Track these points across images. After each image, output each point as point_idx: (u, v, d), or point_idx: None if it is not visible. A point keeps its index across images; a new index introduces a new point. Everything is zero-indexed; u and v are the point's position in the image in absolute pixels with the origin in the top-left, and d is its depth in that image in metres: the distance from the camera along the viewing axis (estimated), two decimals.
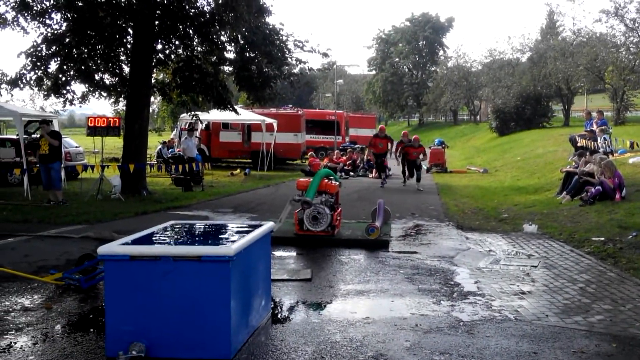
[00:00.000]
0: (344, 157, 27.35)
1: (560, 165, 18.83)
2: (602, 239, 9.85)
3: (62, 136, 16.33)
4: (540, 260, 8.79)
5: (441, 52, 78.34)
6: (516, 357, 4.94)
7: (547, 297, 6.81)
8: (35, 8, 16.26)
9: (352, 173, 25.59)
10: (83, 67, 16.81)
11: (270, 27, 17.85)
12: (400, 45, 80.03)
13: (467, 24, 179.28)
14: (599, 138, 18.07)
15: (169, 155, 24.26)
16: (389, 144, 20.84)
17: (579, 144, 18.72)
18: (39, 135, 16.19)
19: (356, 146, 33.41)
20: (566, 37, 49.07)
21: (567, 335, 5.50)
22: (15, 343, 5.23)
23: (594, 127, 18.91)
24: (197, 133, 26.83)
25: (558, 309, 6.32)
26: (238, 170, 26.98)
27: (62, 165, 15.63)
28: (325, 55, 19.58)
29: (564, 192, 14.44)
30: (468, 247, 9.89)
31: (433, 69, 76.36)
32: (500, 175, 23.83)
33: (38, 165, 15.06)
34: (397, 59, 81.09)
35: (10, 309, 6.21)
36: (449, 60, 69.89)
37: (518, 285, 7.32)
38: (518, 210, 13.91)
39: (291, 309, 6.35)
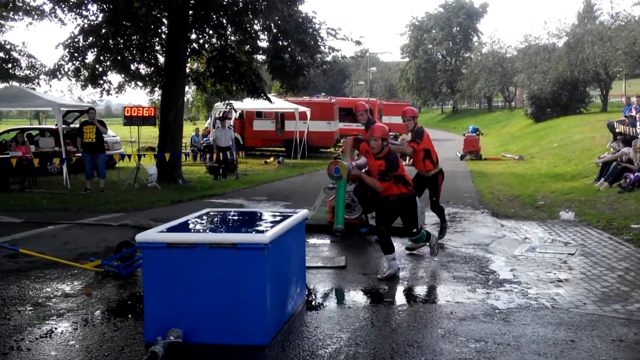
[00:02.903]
0: None
1: (599, 151, 18.49)
2: None
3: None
4: (578, 247, 8.67)
5: (475, 38, 77.19)
6: (553, 345, 4.90)
7: (585, 285, 6.73)
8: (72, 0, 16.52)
9: None
10: (119, 58, 17.05)
11: (303, 15, 17.80)
12: (433, 31, 79.09)
13: (501, 9, 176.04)
14: (638, 123, 17.67)
15: (204, 145, 24.45)
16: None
17: (617, 130, 18.33)
18: (78, 125, 16.46)
19: (390, 134, 33.22)
20: (604, 21, 47.97)
21: (606, 324, 5.44)
22: (56, 328, 5.36)
23: (633, 112, 18.49)
24: (231, 122, 27.03)
25: (596, 297, 6.25)
26: (272, 159, 27.10)
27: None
28: (358, 43, 19.48)
29: (602, 179, 14.18)
30: (503, 234, 9.82)
31: (467, 55, 75.27)
32: (536, 162, 23.50)
33: (81, 153, 15.23)
34: (430, 46, 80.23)
35: (52, 295, 6.36)
36: (483, 46, 68.91)
37: (555, 273, 7.25)
38: (554, 198, 13.73)
39: (326, 296, 6.39)
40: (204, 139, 25.99)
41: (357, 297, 6.36)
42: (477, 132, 29.49)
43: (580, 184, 15.60)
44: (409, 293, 6.49)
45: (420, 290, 6.59)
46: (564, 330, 5.27)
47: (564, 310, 5.84)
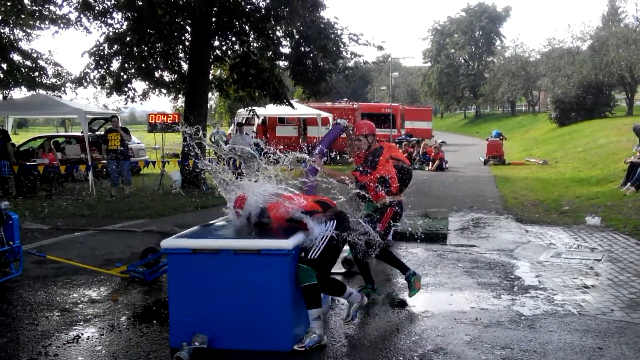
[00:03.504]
0: (400, 150, 27.17)
1: (624, 155, 18.25)
2: None
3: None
4: (604, 253, 8.57)
5: (498, 42, 76.79)
6: (580, 353, 4.85)
7: (612, 291, 6.65)
8: (97, 8, 16.76)
9: None
10: (143, 65, 17.26)
11: (325, 21, 17.87)
12: (455, 36, 78.81)
13: (524, 12, 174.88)
14: None
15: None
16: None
17: None
18: (103, 132, 16.66)
19: (412, 139, 33.14)
20: (629, 24, 47.43)
21: (634, 331, 5.37)
22: (83, 334, 5.42)
23: None
24: (253, 128, 27.16)
25: (623, 304, 6.17)
26: None
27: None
28: (380, 48, 19.50)
29: (629, 184, 14.00)
30: (528, 240, 9.73)
31: (490, 59, 74.83)
32: (561, 167, 23.26)
33: (106, 160, 15.39)
34: (452, 50, 79.89)
35: (79, 301, 6.44)
36: (506, 50, 68.45)
37: (581, 279, 7.16)
38: (580, 203, 13.58)
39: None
40: (226, 145, 26.15)
41: (380, 303, 6.34)
42: (501, 137, 29.29)
43: (605, 188, 15.41)
44: (433, 299, 6.45)
45: (445, 296, 6.54)
46: (591, 337, 5.21)
47: (591, 317, 5.77)
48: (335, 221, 5.24)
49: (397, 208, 6.44)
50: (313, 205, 5.35)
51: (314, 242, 5.11)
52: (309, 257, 5.08)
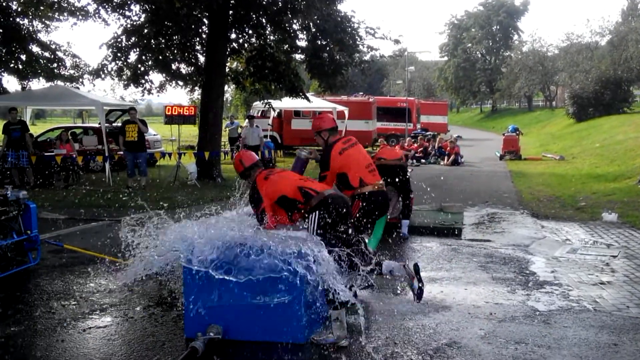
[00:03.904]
0: (416, 145, 27.10)
1: None
2: None
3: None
4: (621, 250, 8.51)
5: (515, 37, 76.17)
6: (595, 349, 4.83)
7: (628, 287, 6.61)
8: (115, 0, 16.84)
9: (423, 160, 25.34)
10: (161, 57, 17.32)
11: (342, 14, 17.81)
12: (473, 30, 78.28)
13: (543, 7, 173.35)
14: None
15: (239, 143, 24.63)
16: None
17: None
18: (120, 123, 16.77)
19: (428, 133, 33.04)
20: None
21: None
22: (99, 323, 5.49)
23: None
24: (269, 121, 27.20)
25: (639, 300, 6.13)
26: None
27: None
28: (396, 42, 19.38)
29: None
30: (544, 235, 9.68)
31: (507, 54, 74.33)
32: (578, 163, 23.08)
33: (123, 151, 15.50)
34: (469, 45, 79.38)
35: (95, 290, 6.50)
36: (524, 44, 67.95)
37: (597, 275, 7.13)
38: (596, 199, 13.48)
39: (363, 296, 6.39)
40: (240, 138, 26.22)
41: (394, 297, 6.34)
42: (517, 132, 29.10)
43: (623, 184, 15.29)
44: (447, 293, 6.44)
45: (459, 290, 6.53)
46: (606, 333, 5.19)
47: (606, 313, 5.75)
48: (317, 212, 5.16)
49: (363, 202, 5.98)
50: (295, 194, 5.25)
51: None
52: None
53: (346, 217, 5.36)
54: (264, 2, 16.83)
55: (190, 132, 29.90)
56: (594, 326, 5.37)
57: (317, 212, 5.17)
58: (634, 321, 5.51)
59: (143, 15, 17.33)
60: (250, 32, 18.30)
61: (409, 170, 10.67)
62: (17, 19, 20.53)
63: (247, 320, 4.93)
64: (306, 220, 5.25)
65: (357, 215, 5.95)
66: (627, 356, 4.68)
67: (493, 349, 4.81)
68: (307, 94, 20.78)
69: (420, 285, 5.43)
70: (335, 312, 4.99)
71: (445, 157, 24.80)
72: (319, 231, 5.13)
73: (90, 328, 5.33)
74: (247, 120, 21.53)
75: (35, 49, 21.43)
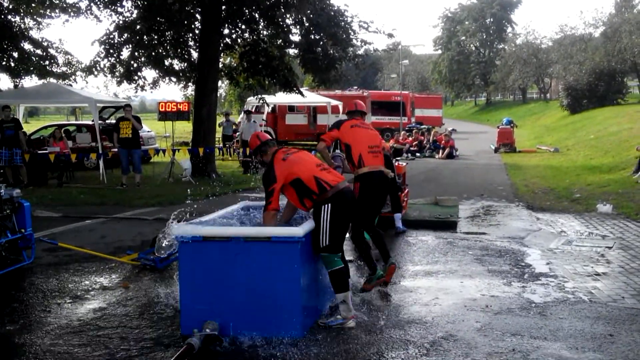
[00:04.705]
0: (410, 138, 27.11)
1: (636, 143, 18.12)
2: None
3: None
4: (616, 241, 8.53)
5: (509, 29, 76.25)
6: (591, 340, 4.84)
7: (623, 278, 6.62)
8: None
9: (418, 154, 25.36)
10: (153, 54, 17.27)
11: (335, 8, 17.76)
12: (466, 23, 78.27)
13: None
14: None
15: (237, 139, 24.59)
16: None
17: None
18: (114, 120, 16.70)
19: (422, 127, 33.06)
20: None
21: None
22: (95, 320, 5.46)
23: None
24: (264, 116, 27.15)
25: (635, 291, 6.14)
26: None
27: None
28: (390, 35, 19.35)
29: None
30: (539, 227, 9.70)
31: (501, 46, 74.44)
32: (572, 155, 23.14)
33: (117, 148, 15.43)
34: (463, 38, 79.39)
35: (90, 288, 6.48)
36: (518, 37, 68.13)
37: (592, 267, 7.14)
38: (591, 190, 13.51)
39: (360, 290, 6.38)
40: (237, 133, 26.18)
41: (391, 290, 6.34)
42: (512, 125, 29.14)
43: (617, 176, 15.33)
44: (443, 287, 6.45)
45: (455, 283, 6.54)
46: (602, 324, 5.20)
47: (602, 304, 5.76)
48: (330, 204, 5.20)
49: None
50: (310, 181, 5.25)
51: (319, 230, 5.16)
52: (321, 245, 5.15)
53: (353, 210, 5.52)
54: None
55: (184, 129, 29.82)
56: (589, 317, 5.38)
57: (329, 204, 5.19)
58: (629, 312, 5.52)
59: (135, 11, 17.26)
60: (243, 27, 18.25)
61: (404, 164, 10.65)
62: (9, 16, 20.42)
63: (243, 315, 4.92)
64: (316, 210, 5.29)
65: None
66: (623, 346, 4.69)
67: (489, 341, 4.81)
68: (301, 89, 20.74)
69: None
70: (341, 294, 5.14)
71: (440, 151, 24.83)
72: (330, 221, 5.18)
73: (85, 325, 5.31)
74: (242, 115, 21.49)
75: (27, 46, 21.33)
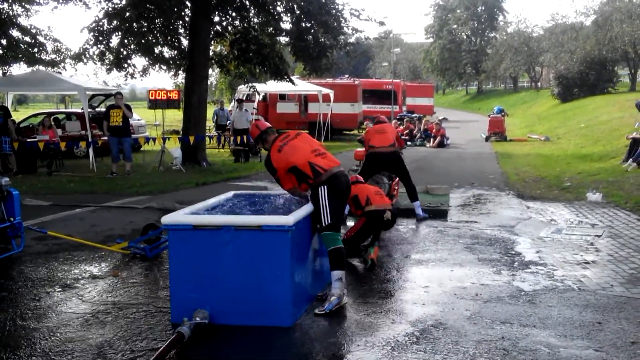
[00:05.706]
0: (401, 127, 27.09)
1: (627, 132, 18.19)
2: None
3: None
4: (605, 229, 8.57)
5: (501, 18, 76.27)
6: (580, 327, 4.87)
7: (612, 266, 6.66)
8: None
9: (409, 143, 25.34)
10: (143, 41, 17.10)
11: None
12: (458, 11, 78.22)
13: None
14: None
15: (228, 127, 24.50)
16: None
17: None
18: (104, 108, 16.59)
19: (413, 115, 33.06)
20: None
21: (634, 306, 5.38)
22: (84, 309, 5.44)
23: None
24: (254, 104, 27.05)
25: (623, 279, 6.18)
26: None
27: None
28: (381, 23, 19.30)
29: (630, 160, 13.98)
30: (529, 216, 9.73)
31: (492, 35, 74.42)
32: (563, 143, 23.22)
33: (108, 136, 15.34)
34: (455, 26, 79.30)
35: (80, 277, 6.46)
36: (509, 25, 68.02)
37: (581, 255, 7.17)
38: (581, 179, 13.56)
39: (348, 280, 6.39)
40: (228, 121, 26.08)
41: (380, 279, 6.35)
42: (503, 113, 29.19)
43: (607, 164, 15.40)
44: (433, 275, 6.46)
45: (445, 272, 6.55)
46: (590, 312, 5.23)
47: (590, 292, 5.79)
48: (326, 186, 5.50)
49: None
50: (305, 167, 5.56)
51: (320, 211, 5.45)
52: (324, 224, 5.43)
53: (348, 194, 5.91)
54: None
55: (175, 117, 29.68)
56: (578, 305, 5.41)
57: (325, 185, 5.49)
58: (617, 300, 5.55)
59: None
60: (233, 14, 18.14)
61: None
62: None
63: (234, 304, 4.92)
64: (313, 192, 5.57)
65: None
66: (611, 334, 4.72)
67: (479, 329, 4.83)
68: (292, 77, 20.67)
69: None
70: (339, 272, 5.36)
71: (431, 139, 24.85)
72: (328, 202, 5.46)
73: (75, 315, 5.29)
74: (233, 103, 21.40)
75: (15, 33, 21.04)
